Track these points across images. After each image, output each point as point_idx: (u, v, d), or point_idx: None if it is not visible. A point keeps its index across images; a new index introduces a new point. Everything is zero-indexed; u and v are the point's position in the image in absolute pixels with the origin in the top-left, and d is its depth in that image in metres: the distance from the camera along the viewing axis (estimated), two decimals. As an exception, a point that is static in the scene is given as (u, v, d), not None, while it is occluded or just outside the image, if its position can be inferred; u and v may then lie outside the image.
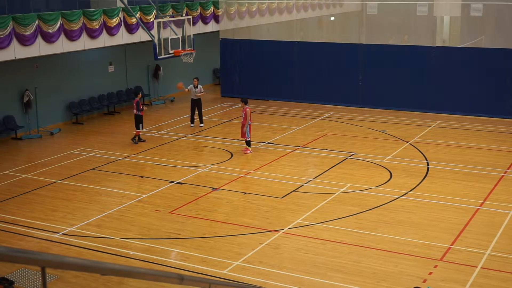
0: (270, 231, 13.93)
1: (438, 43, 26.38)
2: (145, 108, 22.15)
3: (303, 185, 16.98)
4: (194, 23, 26.45)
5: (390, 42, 26.91)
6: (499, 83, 24.32)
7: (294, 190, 16.53)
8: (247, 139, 19.99)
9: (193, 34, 24.09)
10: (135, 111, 21.39)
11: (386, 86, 25.95)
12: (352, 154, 19.70)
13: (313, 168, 18.72)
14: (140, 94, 22.13)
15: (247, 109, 19.77)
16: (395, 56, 26.00)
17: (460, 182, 17.10)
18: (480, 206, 15.25)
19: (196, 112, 23.79)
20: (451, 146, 20.64)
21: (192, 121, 23.82)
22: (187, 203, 15.70)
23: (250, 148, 20.07)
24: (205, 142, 21.44)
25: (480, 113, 24.47)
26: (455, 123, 23.73)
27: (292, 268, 12.15)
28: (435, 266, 12.13)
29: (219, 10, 29.25)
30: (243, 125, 19.92)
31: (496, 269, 11.99)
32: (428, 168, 18.32)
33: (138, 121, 21.33)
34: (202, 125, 23.74)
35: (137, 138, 21.38)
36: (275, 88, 28.47)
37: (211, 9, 28.81)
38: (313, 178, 17.56)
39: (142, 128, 21.54)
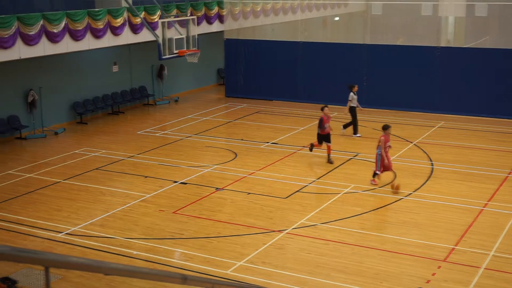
0: (274, 231, 13.93)
1: (443, 44, 26.36)
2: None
3: (306, 185, 16.97)
4: (198, 23, 26.49)
5: (399, 43, 26.87)
6: (504, 83, 24.26)
7: (297, 191, 16.52)
8: (376, 171, 16.82)
9: (198, 34, 24.11)
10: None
11: (390, 86, 25.92)
12: (356, 155, 19.69)
13: (317, 169, 18.70)
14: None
15: (382, 137, 16.65)
16: (399, 56, 25.96)
17: (464, 182, 17.07)
18: (484, 206, 15.22)
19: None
20: (455, 147, 20.60)
21: (357, 131, 22.05)
22: (191, 203, 15.71)
23: (375, 180, 16.95)
24: (209, 142, 21.44)
25: (485, 113, 24.42)
26: (459, 124, 23.69)
27: (295, 268, 12.15)
28: (439, 267, 12.11)
29: (224, 10, 29.26)
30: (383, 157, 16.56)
31: (500, 270, 11.97)
32: (432, 168, 18.28)
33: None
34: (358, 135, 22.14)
35: (311, 146, 19.33)
36: (279, 88, 28.47)
37: (215, 9, 28.82)
38: (317, 179, 17.55)
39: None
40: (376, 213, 15.00)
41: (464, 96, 24.81)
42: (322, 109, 18.80)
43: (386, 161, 16.48)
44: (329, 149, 18.92)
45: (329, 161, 18.86)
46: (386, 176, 17.00)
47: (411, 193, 16.21)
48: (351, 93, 21.74)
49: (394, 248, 13.00)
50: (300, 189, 16.63)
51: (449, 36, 26.99)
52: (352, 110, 21.91)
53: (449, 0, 26.40)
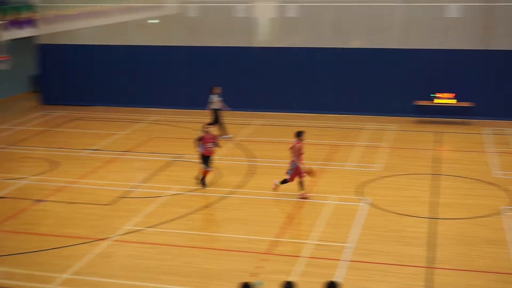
0: (100, 239, 13.57)
1: (257, 44, 27.21)
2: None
3: (131, 190, 16.73)
4: (8, 28, 25.09)
5: (218, 44, 27.21)
6: (311, 80, 25.69)
7: (122, 196, 16.23)
8: (288, 180, 16.08)
9: (8, 40, 22.84)
10: None
11: (208, 87, 26.26)
12: (180, 156, 19.75)
13: (141, 173, 18.49)
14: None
15: (297, 144, 15.85)
16: (216, 57, 26.53)
17: (284, 177, 17.71)
18: (305, 198, 15.91)
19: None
20: (275, 143, 21.36)
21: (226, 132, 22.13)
22: (7, 218, 14.84)
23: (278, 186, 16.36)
24: (25, 153, 20.40)
25: (305, 109, 25.62)
26: (279, 121, 24.61)
27: (123, 275, 11.92)
28: (264, 260, 12.49)
29: (36, 14, 27.95)
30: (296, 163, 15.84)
31: (320, 257, 12.60)
32: (254, 165, 18.81)
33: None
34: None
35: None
36: (99, 93, 27.83)
37: (27, 13, 27.41)
38: (142, 183, 17.36)
39: None
40: (202, 212, 15.16)
41: (280, 94, 25.88)
42: (204, 127, 17.12)
43: (301, 168, 15.82)
44: (206, 172, 16.93)
45: (202, 184, 16.97)
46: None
47: (235, 191, 16.57)
48: (212, 96, 22.00)
49: (222, 246, 13.21)
50: (124, 195, 16.35)
51: (263, 36, 27.92)
52: (215, 113, 22.05)
53: (261, 1, 27.32)
